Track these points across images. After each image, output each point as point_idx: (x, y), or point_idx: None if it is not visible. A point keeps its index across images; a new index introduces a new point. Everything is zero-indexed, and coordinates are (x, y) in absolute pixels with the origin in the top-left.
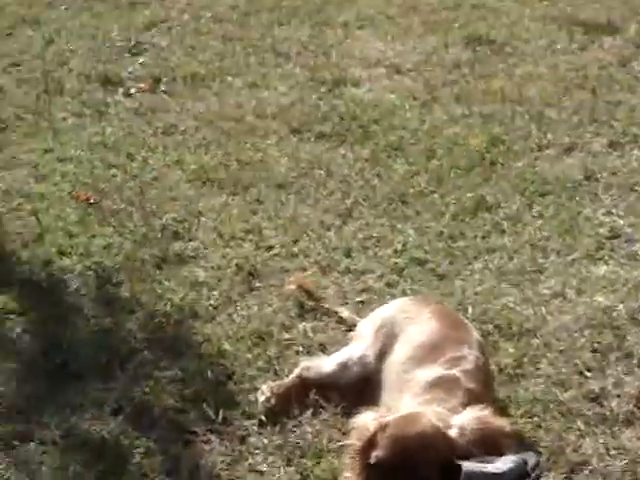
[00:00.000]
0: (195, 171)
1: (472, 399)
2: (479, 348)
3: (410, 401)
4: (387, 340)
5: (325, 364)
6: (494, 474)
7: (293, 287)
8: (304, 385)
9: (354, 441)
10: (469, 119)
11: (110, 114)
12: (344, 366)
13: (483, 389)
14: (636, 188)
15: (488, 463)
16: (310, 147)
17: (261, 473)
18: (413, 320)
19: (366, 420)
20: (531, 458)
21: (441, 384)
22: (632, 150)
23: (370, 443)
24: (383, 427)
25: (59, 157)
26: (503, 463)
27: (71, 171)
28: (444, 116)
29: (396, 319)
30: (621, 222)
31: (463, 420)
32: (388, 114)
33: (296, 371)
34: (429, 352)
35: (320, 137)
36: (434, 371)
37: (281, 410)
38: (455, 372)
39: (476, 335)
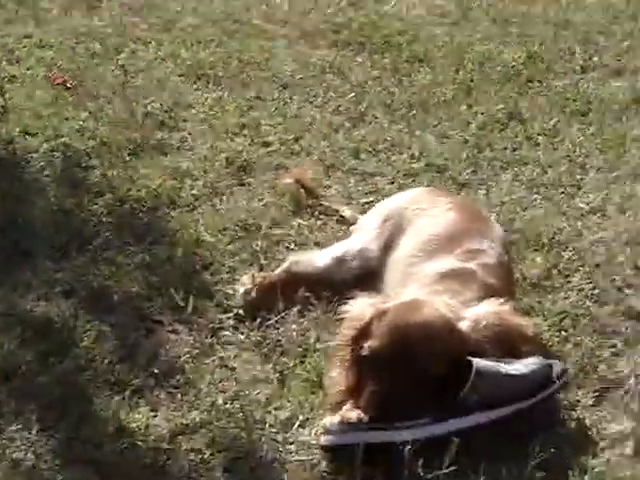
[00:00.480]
0: (190, 66)
1: (490, 295)
2: (502, 244)
3: (416, 291)
4: (395, 232)
5: (318, 258)
6: (512, 376)
7: (290, 181)
8: (292, 280)
9: (346, 330)
10: (505, 38)
11: (102, 8)
12: (340, 260)
13: (504, 287)
14: None
15: (506, 364)
16: (323, 53)
17: (232, 369)
18: (426, 211)
19: (361, 306)
20: (556, 365)
21: (455, 276)
22: None
23: (364, 332)
24: (380, 314)
25: (38, 43)
26: (524, 365)
27: (49, 56)
28: (477, 34)
29: (407, 210)
30: None
31: (478, 313)
32: (414, 27)
33: (284, 265)
34: (443, 244)
35: (335, 45)
36: (447, 262)
37: (263, 305)
38: (472, 265)
39: (500, 231)
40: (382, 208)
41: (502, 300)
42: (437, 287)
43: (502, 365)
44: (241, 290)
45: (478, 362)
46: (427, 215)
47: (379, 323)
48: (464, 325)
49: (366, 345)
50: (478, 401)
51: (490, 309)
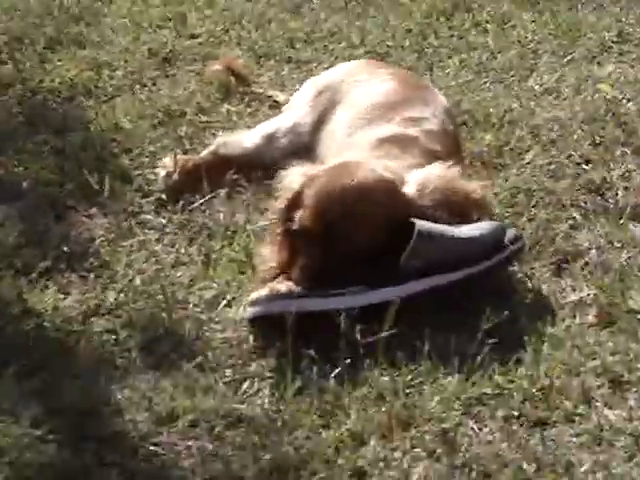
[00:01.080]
0: None
1: (434, 161)
2: (446, 113)
3: (351, 157)
4: (329, 105)
5: (247, 138)
6: (460, 238)
7: (219, 67)
8: (220, 162)
9: (276, 203)
10: None
11: None
12: (270, 139)
13: (449, 154)
14: None
15: (454, 227)
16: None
17: (152, 252)
18: (364, 82)
19: (293, 176)
20: (510, 230)
21: (395, 142)
22: None
23: (294, 203)
24: (311, 181)
25: None
26: (473, 228)
27: None
28: None
29: (342, 83)
30: (631, 28)
31: (424, 176)
32: None
33: (210, 147)
34: (382, 113)
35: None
36: (387, 129)
37: (186, 189)
38: (413, 131)
39: (444, 100)
40: (315, 82)
41: (449, 164)
42: (376, 153)
43: (449, 228)
44: (162, 173)
45: (421, 224)
46: (365, 86)
47: (309, 191)
48: (407, 189)
49: (297, 216)
50: (421, 267)
51: (436, 172)
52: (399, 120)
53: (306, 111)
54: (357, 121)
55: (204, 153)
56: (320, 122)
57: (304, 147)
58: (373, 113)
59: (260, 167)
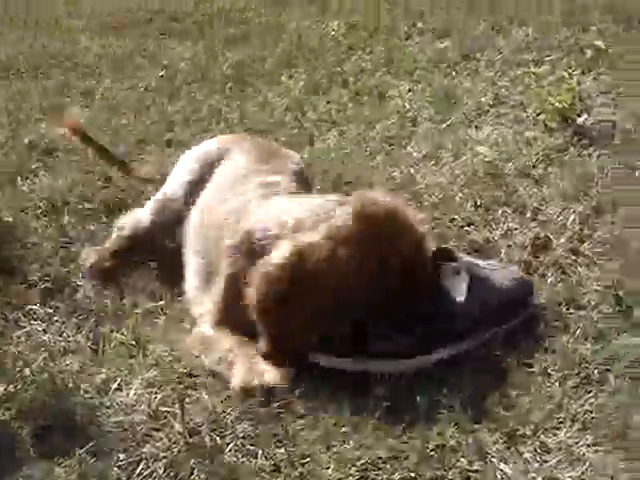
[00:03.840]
0: None
1: None
2: (297, 177)
3: None
4: (200, 176)
5: (140, 214)
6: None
7: (64, 131)
8: (127, 245)
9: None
10: (324, 14)
11: None
12: (160, 210)
13: None
14: (522, 63)
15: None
16: (131, 41)
17: (40, 343)
18: (229, 153)
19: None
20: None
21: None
22: (517, 32)
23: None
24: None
25: None
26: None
27: None
28: (296, 14)
29: (211, 153)
30: (507, 91)
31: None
32: (227, 12)
33: (113, 235)
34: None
35: (144, 35)
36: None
37: (110, 275)
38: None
39: (295, 166)
40: (190, 155)
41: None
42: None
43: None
44: (89, 262)
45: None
46: (229, 158)
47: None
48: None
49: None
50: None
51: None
52: (256, 185)
53: (182, 181)
54: (222, 190)
55: (112, 239)
56: (192, 191)
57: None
58: (236, 181)
59: (159, 238)
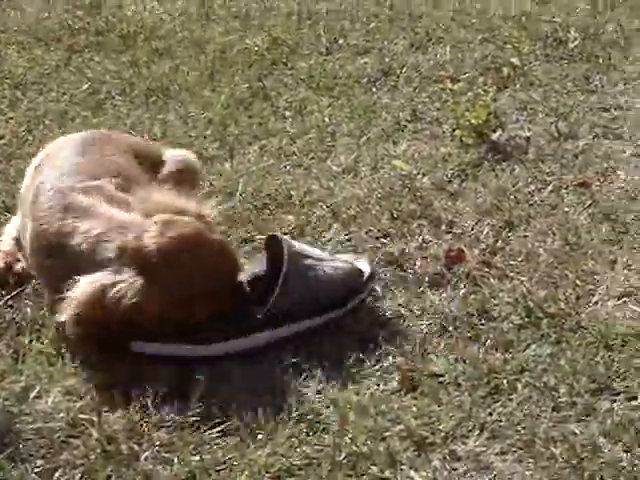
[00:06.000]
0: None
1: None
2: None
3: None
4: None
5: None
6: (323, 282)
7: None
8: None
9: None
10: (247, 29)
11: None
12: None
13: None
14: (439, 80)
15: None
16: (60, 57)
17: None
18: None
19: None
20: (364, 263)
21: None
22: (435, 49)
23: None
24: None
25: None
26: (334, 268)
27: None
28: (218, 28)
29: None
30: (424, 107)
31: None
32: (152, 27)
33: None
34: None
35: (71, 48)
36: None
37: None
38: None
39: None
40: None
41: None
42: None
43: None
44: None
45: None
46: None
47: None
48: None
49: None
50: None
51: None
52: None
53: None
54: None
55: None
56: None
57: None
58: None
59: None
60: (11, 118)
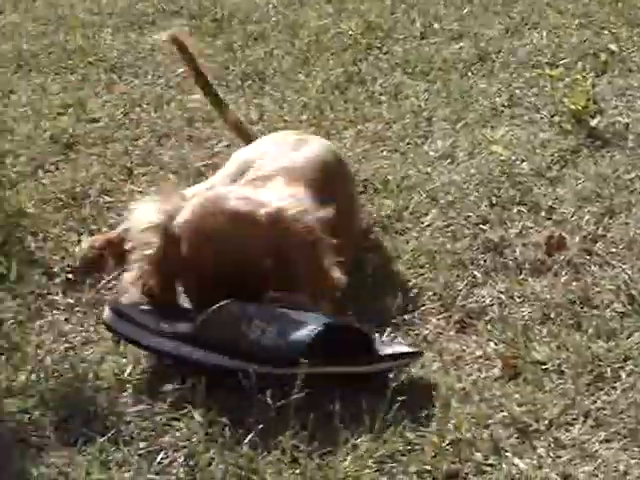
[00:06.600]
0: (9, 58)
1: None
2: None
3: None
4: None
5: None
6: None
7: (165, 39)
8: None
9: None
10: (341, 13)
11: None
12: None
13: None
14: (536, 65)
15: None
16: (154, 41)
17: (62, 332)
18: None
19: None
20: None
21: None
22: (531, 34)
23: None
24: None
25: None
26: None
27: None
28: (313, 13)
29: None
30: (521, 93)
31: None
32: (246, 10)
33: (121, 225)
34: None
35: (165, 31)
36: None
37: (97, 266)
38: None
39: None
40: (237, 154)
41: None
42: None
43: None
44: (82, 248)
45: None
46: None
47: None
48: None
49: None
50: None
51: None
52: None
53: (221, 181)
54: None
55: (118, 229)
56: None
57: None
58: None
59: None
60: (107, 101)
